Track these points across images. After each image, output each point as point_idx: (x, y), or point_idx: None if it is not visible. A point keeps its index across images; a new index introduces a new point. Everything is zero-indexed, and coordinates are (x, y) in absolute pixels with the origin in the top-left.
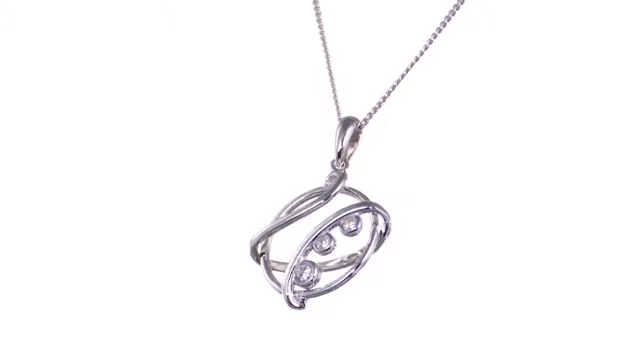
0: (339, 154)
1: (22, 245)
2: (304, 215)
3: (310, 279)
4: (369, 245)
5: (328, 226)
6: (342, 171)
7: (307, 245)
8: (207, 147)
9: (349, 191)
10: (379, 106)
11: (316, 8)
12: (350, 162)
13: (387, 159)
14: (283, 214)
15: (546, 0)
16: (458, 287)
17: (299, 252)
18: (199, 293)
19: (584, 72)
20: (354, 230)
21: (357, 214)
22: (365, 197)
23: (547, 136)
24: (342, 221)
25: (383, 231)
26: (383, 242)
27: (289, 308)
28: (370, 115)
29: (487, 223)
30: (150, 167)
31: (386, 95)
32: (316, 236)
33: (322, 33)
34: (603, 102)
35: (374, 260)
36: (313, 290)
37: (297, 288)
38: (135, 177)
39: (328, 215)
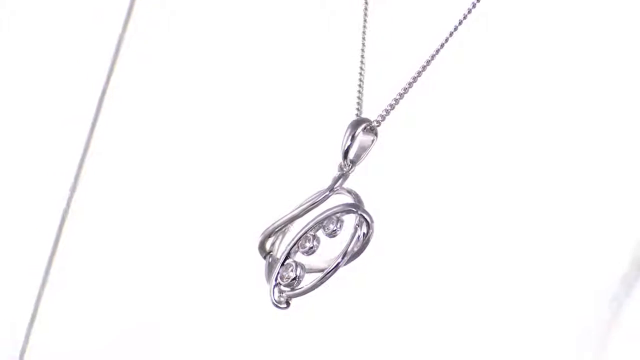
0: (344, 155)
1: (25, 245)
2: (308, 211)
3: (292, 278)
4: (347, 244)
5: (312, 227)
6: (344, 172)
7: (292, 245)
8: (221, 148)
9: (349, 192)
10: (392, 108)
11: (365, 9)
12: (362, 163)
13: (398, 161)
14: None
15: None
16: (445, 289)
17: (285, 253)
18: (202, 289)
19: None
20: (335, 230)
21: (338, 215)
22: (358, 199)
23: (556, 141)
24: (324, 222)
25: (365, 233)
26: (366, 244)
27: (274, 307)
28: (382, 117)
29: (480, 229)
30: (158, 168)
31: (398, 97)
32: (300, 237)
33: (364, 33)
34: (611, 103)
35: (365, 264)
36: (297, 289)
37: (283, 287)
38: (140, 178)
39: (313, 216)
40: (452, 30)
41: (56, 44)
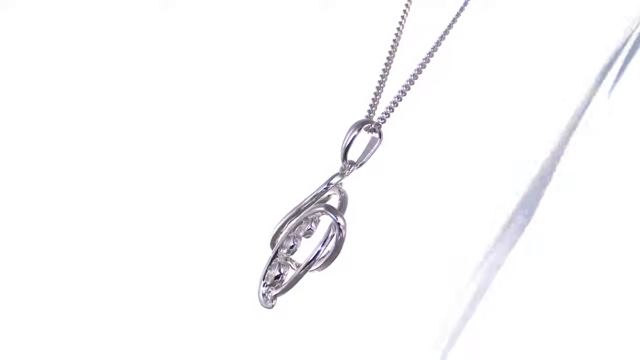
0: (344, 155)
1: (34, 246)
2: (308, 204)
3: (276, 277)
4: (325, 235)
5: (293, 227)
6: (341, 171)
7: (278, 246)
8: (226, 148)
9: (340, 192)
10: (392, 110)
11: (405, 11)
12: (365, 162)
13: (400, 160)
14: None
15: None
16: (441, 288)
17: (272, 254)
18: (199, 288)
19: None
20: (310, 229)
21: (314, 216)
22: (342, 202)
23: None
24: (302, 222)
25: (337, 235)
26: (340, 245)
27: (262, 307)
28: (383, 119)
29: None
30: (163, 169)
31: (397, 100)
32: (285, 237)
33: (397, 35)
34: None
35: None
36: (280, 286)
37: (269, 287)
38: (142, 179)
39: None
40: (443, 34)
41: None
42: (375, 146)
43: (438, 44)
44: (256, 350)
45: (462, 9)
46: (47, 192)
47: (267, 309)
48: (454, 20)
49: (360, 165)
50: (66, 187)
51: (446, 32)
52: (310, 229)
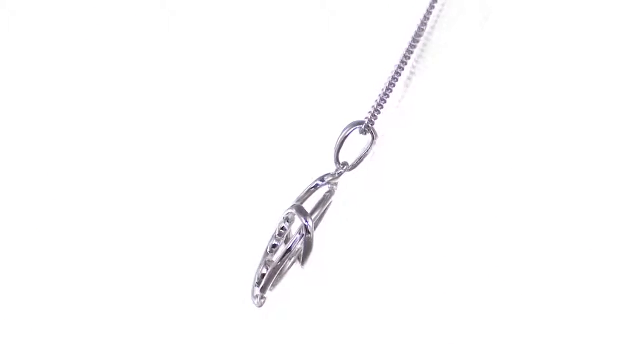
0: (336, 157)
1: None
2: (305, 198)
3: (262, 275)
4: (300, 229)
5: (277, 227)
6: (334, 172)
7: (267, 247)
8: (224, 148)
9: (329, 192)
10: (378, 112)
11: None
12: (358, 164)
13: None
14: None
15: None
16: (437, 288)
17: (263, 255)
18: (201, 289)
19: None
20: (283, 227)
21: (290, 215)
22: (324, 199)
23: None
24: (281, 223)
25: (304, 234)
26: (308, 244)
27: (254, 305)
28: (371, 121)
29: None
30: (162, 168)
31: (382, 102)
32: (272, 237)
33: (415, 39)
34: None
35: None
36: (262, 285)
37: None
38: (139, 179)
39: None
40: (423, 32)
41: None
42: (368, 148)
43: (412, 46)
44: (252, 349)
45: (432, 7)
46: (45, 190)
47: (258, 308)
48: (424, 20)
49: (353, 167)
50: (64, 186)
51: (422, 27)
52: (283, 227)
